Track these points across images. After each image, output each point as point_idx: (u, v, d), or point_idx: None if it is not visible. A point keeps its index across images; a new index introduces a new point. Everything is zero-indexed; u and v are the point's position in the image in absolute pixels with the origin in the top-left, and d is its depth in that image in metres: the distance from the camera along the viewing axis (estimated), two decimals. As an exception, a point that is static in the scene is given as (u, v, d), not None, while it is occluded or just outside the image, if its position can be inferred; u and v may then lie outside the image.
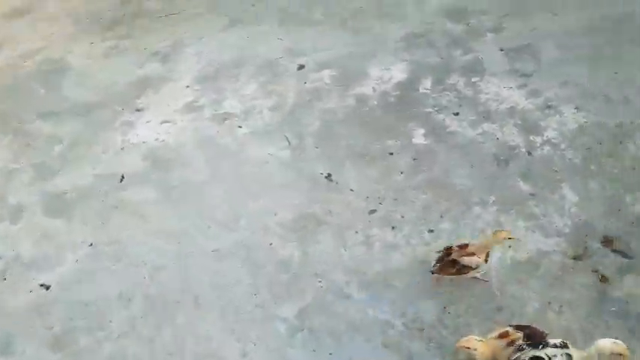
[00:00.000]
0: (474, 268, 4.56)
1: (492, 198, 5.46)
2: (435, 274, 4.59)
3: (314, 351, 4.59)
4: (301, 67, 7.34)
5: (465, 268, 4.57)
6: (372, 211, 5.57)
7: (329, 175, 5.95)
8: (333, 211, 5.61)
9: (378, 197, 5.68)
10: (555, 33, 7.05)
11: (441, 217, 5.41)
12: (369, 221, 5.50)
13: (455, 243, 4.78)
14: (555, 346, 3.66)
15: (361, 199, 5.68)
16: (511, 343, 3.81)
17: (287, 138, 6.41)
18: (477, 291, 4.77)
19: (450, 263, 4.61)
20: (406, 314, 4.70)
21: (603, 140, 5.74)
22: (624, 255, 4.81)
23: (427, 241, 5.23)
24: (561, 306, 4.56)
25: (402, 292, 4.86)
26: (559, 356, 3.55)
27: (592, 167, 5.53)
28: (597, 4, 7.33)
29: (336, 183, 5.87)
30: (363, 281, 5.00)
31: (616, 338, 3.83)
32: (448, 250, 4.69)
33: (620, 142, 5.69)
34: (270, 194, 5.86)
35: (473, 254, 4.53)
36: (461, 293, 4.78)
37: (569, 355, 3.59)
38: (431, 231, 5.31)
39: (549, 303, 4.60)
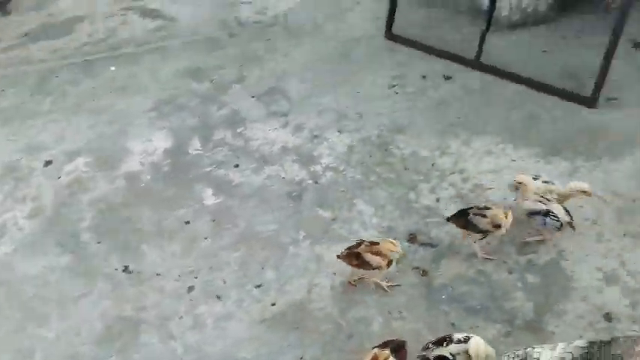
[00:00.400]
0: (374, 268, 4.68)
1: (302, 233, 5.51)
2: (340, 259, 4.78)
3: None
4: (48, 162, 6.50)
5: (365, 264, 4.69)
6: (190, 289, 5.14)
7: (126, 267, 5.33)
8: (146, 305, 5.02)
9: (191, 272, 5.28)
10: (294, 70, 7.54)
11: (262, 268, 5.26)
12: (191, 300, 5.06)
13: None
14: (459, 341, 3.80)
15: (173, 280, 5.20)
16: None
17: (60, 242, 5.56)
18: (323, 328, 4.72)
19: (354, 255, 4.73)
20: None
21: (372, 152, 6.28)
22: (430, 245, 5.28)
23: (258, 298, 5.02)
24: (400, 312, 4.79)
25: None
26: (462, 354, 3.67)
27: (372, 178, 5.98)
28: (321, 38, 8.08)
29: (138, 273, 5.28)
30: (210, 366, 4.56)
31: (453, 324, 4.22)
32: (359, 243, 4.77)
33: (386, 150, 6.28)
34: (66, 311, 4.99)
35: (378, 254, 4.63)
36: (311, 336, 4.68)
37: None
38: (258, 286, 5.12)
39: (389, 313, 4.79)
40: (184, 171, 6.28)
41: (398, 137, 6.42)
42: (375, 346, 4.12)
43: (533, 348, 3.32)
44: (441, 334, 4.25)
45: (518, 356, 3.31)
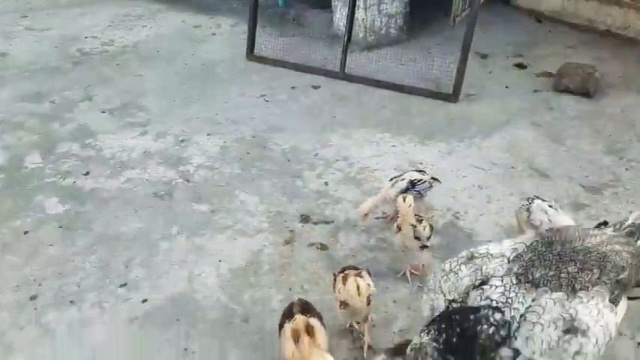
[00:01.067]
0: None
1: (175, 229, 4.64)
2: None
3: None
4: None
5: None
6: (33, 297, 3.97)
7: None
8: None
9: (34, 280, 4.12)
10: (151, 88, 6.89)
11: (127, 267, 4.26)
12: (35, 309, 3.88)
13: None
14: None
15: (10, 292, 4.00)
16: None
17: None
18: (212, 315, 3.82)
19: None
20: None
21: (250, 150, 5.71)
22: (325, 222, 4.71)
23: (125, 297, 4.00)
24: (303, 286, 4.06)
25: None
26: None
27: (253, 171, 5.37)
28: (179, 61, 7.58)
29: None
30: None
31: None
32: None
33: (264, 147, 5.75)
34: None
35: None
36: (197, 327, 3.74)
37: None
38: (123, 285, 4.10)
39: (290, 289, 4.04)
40: (21, 184, 5.16)
41: (275, 135, 5.95)
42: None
43: (476, 247, 2.82)
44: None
45: (462, 257, 2.78)
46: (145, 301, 3.97)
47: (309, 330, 3.07)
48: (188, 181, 5.25)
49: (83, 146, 5.76)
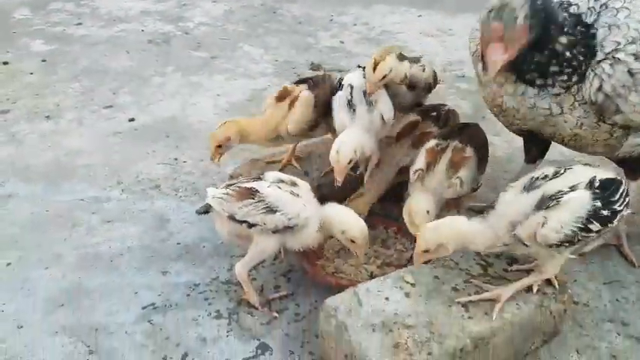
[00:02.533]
0: None
1: (170, 68, 4.14)
2: None
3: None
4: None
5: None
6: (4, 112, 3.48)
7: None
8: None
9: (7, 99, 3.64)
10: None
11: (114, 93, 3.78)
12: (5, 120, 3.39)
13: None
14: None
15: None
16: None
17: None
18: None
19: None
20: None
21: (257, 14, 5.18)
22: (339, 69, 4.16)
23: (109, 116, 3.52)
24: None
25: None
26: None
27: (259, 30, 4.85)
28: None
29: None
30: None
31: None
32: None
33: (274, 12, 5.22)
34: None
35: None
36: (188, 142, 3.24)
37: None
38: (108, 107, 3.62)
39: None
40: (5, 29, 4.67)
41: (286, 5, 5.40)
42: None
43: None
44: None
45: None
46: (131, 120, 3.48)
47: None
48: (187, 33, 4.74)
49: (78, 5, 5.26)
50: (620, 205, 1.79)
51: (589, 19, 2.00)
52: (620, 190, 1.81)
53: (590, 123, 2.04)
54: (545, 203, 1.75)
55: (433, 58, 4.33)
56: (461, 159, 2.28)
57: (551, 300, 1.89)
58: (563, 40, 1.96)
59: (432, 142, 2.35)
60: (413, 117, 2.61)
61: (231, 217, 2.00)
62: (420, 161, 2.29)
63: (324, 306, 1.86)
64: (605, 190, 1.78)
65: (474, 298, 1.86)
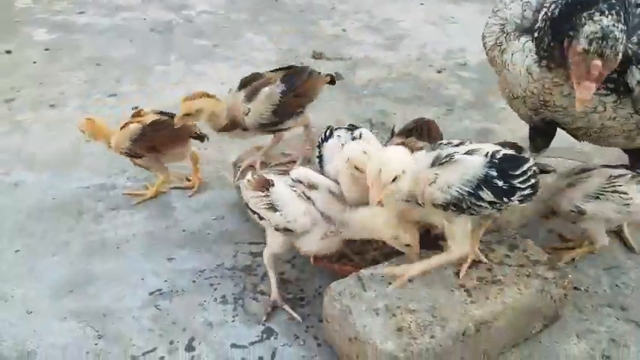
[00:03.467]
0: None
1: (173, 57, 4.16)
2: None
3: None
4: None
5: None
6: (9, 101, 3.51)
7: None
8: None
9: (11, 88, 3.66)
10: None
11: (117, 82, 3.80)
12: (10, 110, 3.41)
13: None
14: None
15: None
16: None
17: None
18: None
19: None
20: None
21: (259, 2, 5.19)
22: (342, 59, 4.19)
23: (113, 105, 3.53)
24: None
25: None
26: None
27: (262, 18, 4.85)
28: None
29: None
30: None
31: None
32: None
33: (276, 0, 5.22)
34: None
35: None
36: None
37: None
38: (112, 95, 3.64)
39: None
40: (8, 18, 4.68)
41: (288, -6, 5.40)
42: None
43: None
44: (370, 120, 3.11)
45: None
46: (135, 108, 3.47)
47: None
48: (190, 21, 4.75)
49: (79, -3, 5.25)
50: (521, 183, 1.76)
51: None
52: (524, 168, 1.77)
53: (624, 114, 2.01)
54: (439, 161, 1.76)
55: (435, 46, 4.34)
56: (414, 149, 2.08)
57: (551, 285, 1.92)
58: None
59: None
60: (397, 139, 2.41)
61: (247, 205, 2.03)
62: None
63: (328, 290, 1.89)
64: (504, 163, 1.76)
65: (379, 271, 1.89)
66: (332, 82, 2.65)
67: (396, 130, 2.49)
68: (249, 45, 4.36)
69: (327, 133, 2.23)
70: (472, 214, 1.80)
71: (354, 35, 4.57)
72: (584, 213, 2.13)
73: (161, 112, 2.62)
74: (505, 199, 1.76)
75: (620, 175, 2.17)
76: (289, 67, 2.59)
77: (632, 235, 2.42)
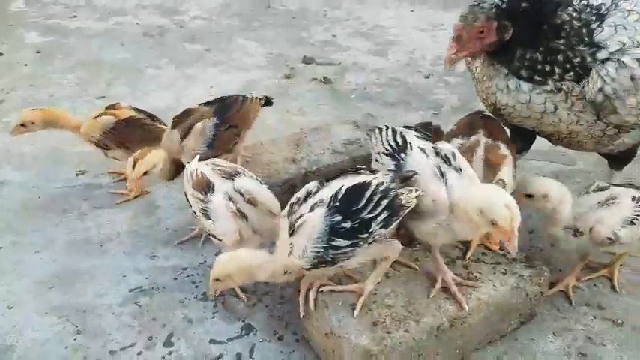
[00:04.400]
0: None
1: (165, 60, 4.19)
2: None
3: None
4: None
5: None
6: (-2, 100, 3.53)
7: None
8: None
9: (1, 89, 3.68)
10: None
11: (108, 85, 3.82)
12: (-2, 109, 3.44)
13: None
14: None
15: None
16: None
17: None
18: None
19: None
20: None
21: (252, 7, 5.24)
22: (331, 64, 4.23)
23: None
24: (301, 109, 3.59)
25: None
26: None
27: (255, 24, 4.90)
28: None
29: None
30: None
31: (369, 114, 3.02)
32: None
33: (269, 7, 5.28)
34: None
35: None
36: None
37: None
38: (101, 97, 3.66)
39: (287, 111, 3.57)
40: (0, 22, 4.72)
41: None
42: None
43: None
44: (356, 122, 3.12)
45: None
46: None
47: None
48: (182, 26, 4.79)
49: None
50: (370, 212, 1.62)
51: (592, 21, 2.01)
52: (367, 195, 1.63)
53: (587, 119, 2.05)
54: (290, 229, 1.70)
55: (424, 52, 4.39)
56: (498, 158, 2.01)
57: (527, 282, 1.94)
58: (560, 40, 1.97)
59: (455, 141, 2.05)
60: (456, 141, 2.20)
61: (185, 196, 2.07)
62: None
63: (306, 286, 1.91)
64: (346, 201, 1.64)
65: (338, 288, 1.85)
66: (267, 103, 2.61)
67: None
68: (240, 50, 4.40)
69: (400, 141, 1.86)
70: (348, 259, 1.68)
71: (344, 41, 4.62)
72: (618, 239, 1.95)
73: (138, 110, 2.63)
74: (363, 235, 1.63)
75: None
76: (222, 99, 2.52)
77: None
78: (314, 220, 1.65)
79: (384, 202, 1.64)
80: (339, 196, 1.66)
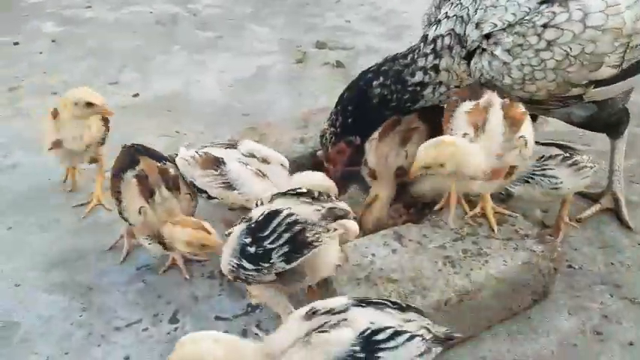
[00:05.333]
0: None
1: (176, 47, 4.18)
2: None
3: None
4: None
5: None
6: (12, 89, 3.55)
7: None
8: None
9: (15, 77, 3.71)
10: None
11: (119, 71, 3.83)
12: (10, 98, 3.46)
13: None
14: None
15: (-15, 87, 3.58)
16: None
17: None
18: (207, 110, 3.34)
19: None
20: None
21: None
22: (344, 48, 4.18)
23: (113, 91, 3.55)
24: (313, 92, 3.56)
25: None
26: None
27: (266, 11, 4.86)
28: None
29: None
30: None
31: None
32: None
33: (281, -3, 5.24)
34: None
35: None
36: (192, 116, 3.28)
37: None
38: (113, 83, 3.67)
39: (299, 95, 3.54)
40: (17, 12, 4.76)
41: (292, -14, 5.41)
42: None
43: None
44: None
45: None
46: (136, 95, 3.53)
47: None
48: (195, 15, 4.78)
49: (87, -11, 5.32)
50: (271, 243, 1.54)
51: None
52: (273, 224, 1.56)
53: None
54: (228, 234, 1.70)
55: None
56: (520, 115, 1.87)
57: (539, 257, 1.88)
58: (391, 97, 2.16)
59: (466, 104, 1.93)
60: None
61: (192, 184, 1.99)
62: (461, 125, 1.88)
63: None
64: (259, 224, 1.57)
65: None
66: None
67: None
68: (252, 36, 4.37)
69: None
70: (263, 280, 1.63)
71: (358, 26, 4.56)
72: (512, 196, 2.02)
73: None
74: (265, 265, 1.55)
75: (551, 157, 2.01)
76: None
77: (631, 214, 2.36)
78: (234, 234, 1.63)
79: (286, 236, 1.55)
80: (260, 218, 1.60)
